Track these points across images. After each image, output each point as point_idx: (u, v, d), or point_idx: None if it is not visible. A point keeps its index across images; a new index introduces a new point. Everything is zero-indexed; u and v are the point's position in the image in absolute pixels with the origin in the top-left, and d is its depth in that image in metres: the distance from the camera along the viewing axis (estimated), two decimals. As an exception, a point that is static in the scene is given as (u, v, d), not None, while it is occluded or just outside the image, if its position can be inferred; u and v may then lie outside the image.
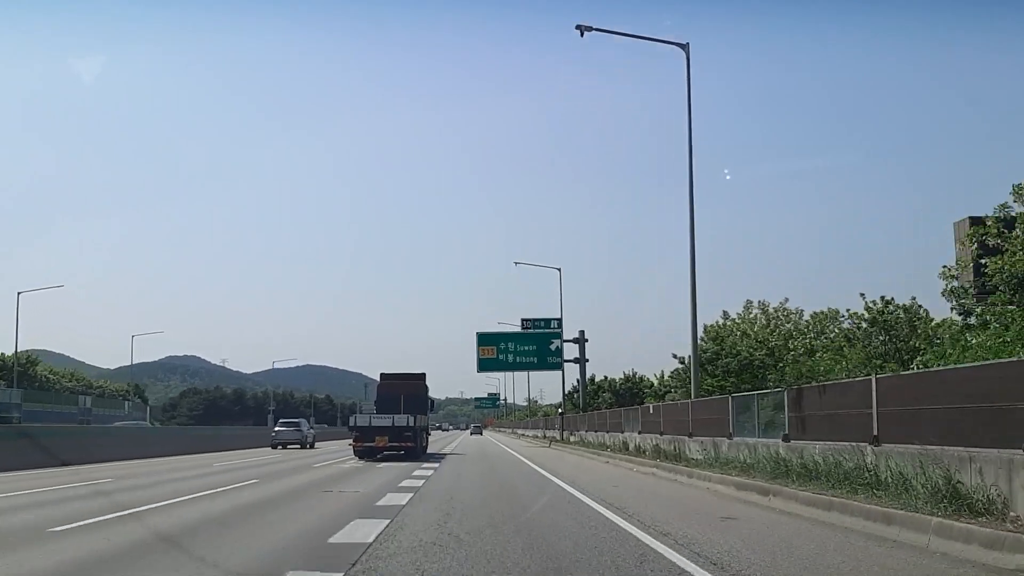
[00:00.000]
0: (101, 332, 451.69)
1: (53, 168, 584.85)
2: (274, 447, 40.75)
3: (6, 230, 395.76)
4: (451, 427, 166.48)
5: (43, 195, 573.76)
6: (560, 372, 50.30)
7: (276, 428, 44.11)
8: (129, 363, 74.75)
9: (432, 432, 48.68)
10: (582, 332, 50.52)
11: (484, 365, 50.05)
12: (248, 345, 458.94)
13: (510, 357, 49.43)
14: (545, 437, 57.72)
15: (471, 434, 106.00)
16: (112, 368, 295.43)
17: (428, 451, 33.39)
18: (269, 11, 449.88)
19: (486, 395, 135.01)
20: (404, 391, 30.48)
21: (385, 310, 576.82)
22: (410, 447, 27.66)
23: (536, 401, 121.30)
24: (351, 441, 28.53)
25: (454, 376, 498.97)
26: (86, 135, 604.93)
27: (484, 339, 49.78)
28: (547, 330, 49.47)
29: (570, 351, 49.94)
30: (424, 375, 33.05)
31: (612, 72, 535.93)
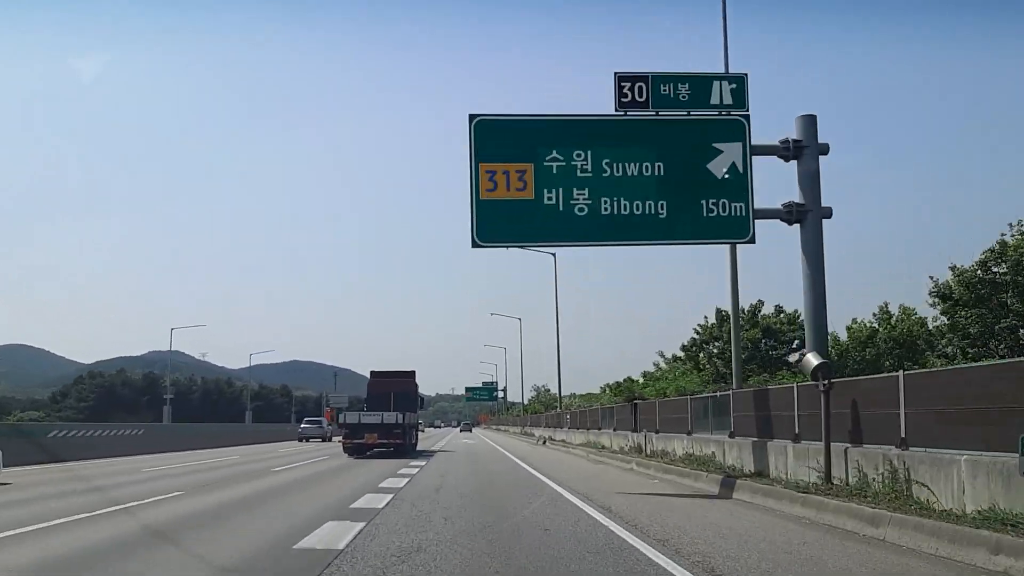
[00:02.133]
0: (84, 328, 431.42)
1: (53, 168, 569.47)
2: (300, 440, 49.59)
3: (6, 230, 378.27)
4: (442, 424, 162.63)
5: (44, 195, 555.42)
6: (729, 247, 15.81)
7: (302, 425, 54.08)
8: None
9: (425, 430, 54.80)
10: (811, 121, 15.78)
11: (493, 225, 15.00)
12: (242, 343, 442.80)
13: (574, 194, 14.79)
14: (644, 453, 22.78)
15: (460, 431, 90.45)
16: (89, 363, 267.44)
17: (417, 448, 32.88)
18: (269, 11, 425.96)
19: (480, 384, 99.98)
20: (394, 388, 30.76)
21: (380, 307, 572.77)
22: (399, 444, 28.13)
23: (548, 389, 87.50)
24: (340, 438, 30.36)
25: (445, 372, 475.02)
26: (86, 135, 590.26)
27: (495, 136, 15.18)
28: (698, 114, 15.10)
29: (766, 180, 15.51)
30: (414, 372, 33.22)
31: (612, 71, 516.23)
